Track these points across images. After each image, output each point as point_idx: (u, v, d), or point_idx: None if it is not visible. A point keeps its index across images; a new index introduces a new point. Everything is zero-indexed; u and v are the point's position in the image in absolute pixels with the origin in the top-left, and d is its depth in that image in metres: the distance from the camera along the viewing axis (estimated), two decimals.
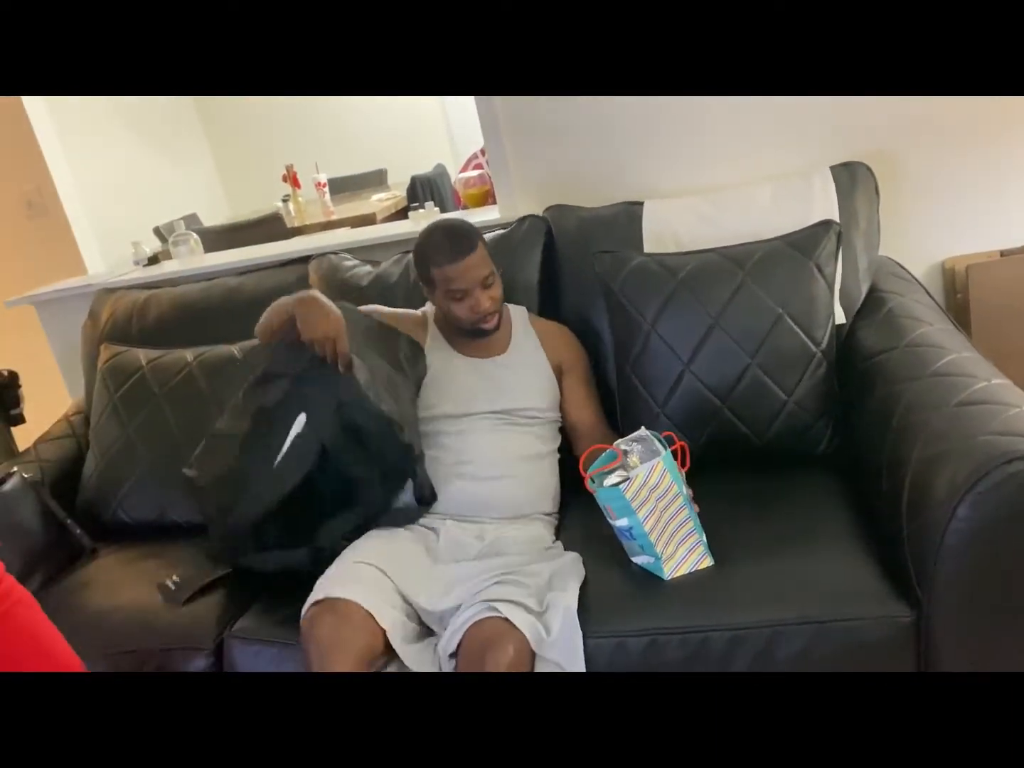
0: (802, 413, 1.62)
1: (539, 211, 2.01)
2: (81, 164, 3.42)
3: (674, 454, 1.41)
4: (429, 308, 1.80)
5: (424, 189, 4.28)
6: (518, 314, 1.79)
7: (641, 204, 1.91)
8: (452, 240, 1.60)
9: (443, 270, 1.59)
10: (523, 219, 1.99)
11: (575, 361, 1.76)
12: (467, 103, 4.47)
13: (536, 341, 1.74)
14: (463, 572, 1.46)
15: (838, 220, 1.71)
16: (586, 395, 1.74)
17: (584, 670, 1.31)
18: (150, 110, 4.66)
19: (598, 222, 1.92)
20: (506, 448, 1.63)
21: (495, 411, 1.65)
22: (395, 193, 4.45)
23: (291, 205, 4.28)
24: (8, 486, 1.85)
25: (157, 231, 4.07)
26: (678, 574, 1.41)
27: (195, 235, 2.71)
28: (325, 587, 1.40)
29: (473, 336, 1.69)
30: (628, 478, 1.36)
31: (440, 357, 1.72)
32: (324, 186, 4.29)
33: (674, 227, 1.85)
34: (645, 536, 1.38)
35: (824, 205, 1.77)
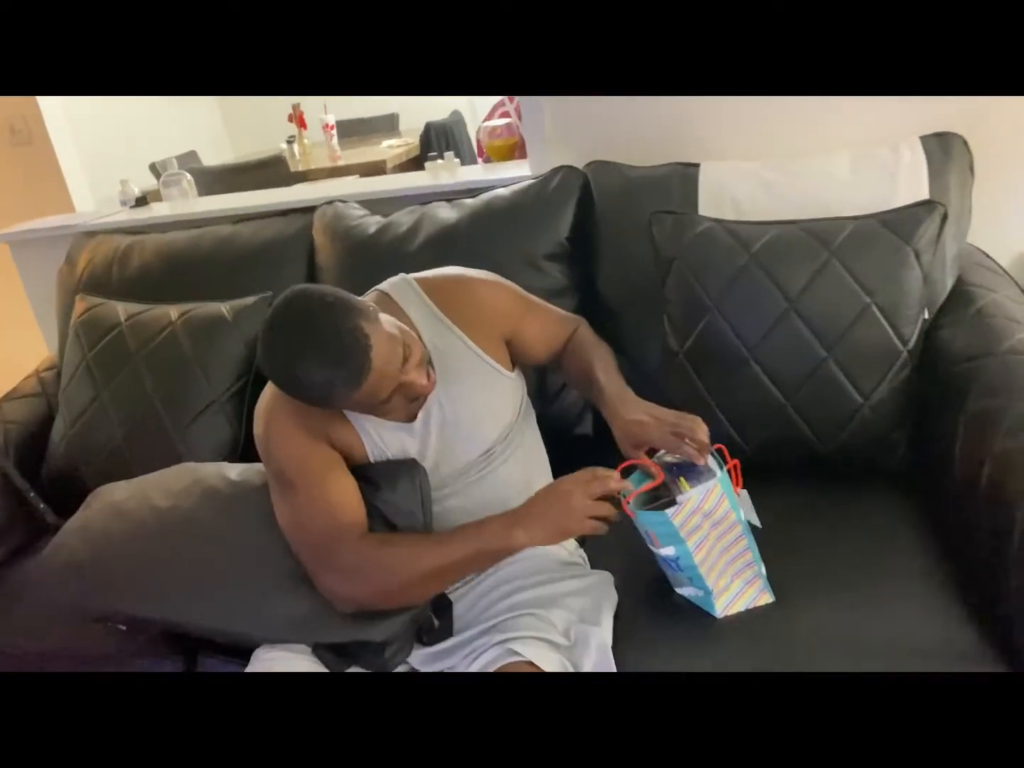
0: (877, 420, 1.40)
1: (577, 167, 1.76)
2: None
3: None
4: None
5: (439, 137, 4.00)
6: (423, 311, 1.28)
7: (697, 166, 1.66)
8: (341, 364, 1.05)
9: (348, 400, 1.10)
10: (557, 169, 1.75)
11: (506, 313, 1.33)
12: None
13: (456, 333, 1.28)
14: (462, 606, 1.24)
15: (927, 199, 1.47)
16: (540, 328, 1.37)
17: None
18: None
19: (647, 183, 1.67)
20: (493, 494, 1.26)
21: (466, 464, 1.26)
22: (407, 140, 4.17)
23: (296, 147, 4.01)
24: None
25: (153, 167, 3.81)
26: (731, 611, 1.20)
27: (188, 175, 2.46)
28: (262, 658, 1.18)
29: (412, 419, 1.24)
30: (676, 502, 1.14)
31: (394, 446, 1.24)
32: (332, 128, 4.01)
33: (735, 194, 1.60)
34: (694, 568, 1.17)
35: (911, 181, 1.52)
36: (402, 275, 1.33)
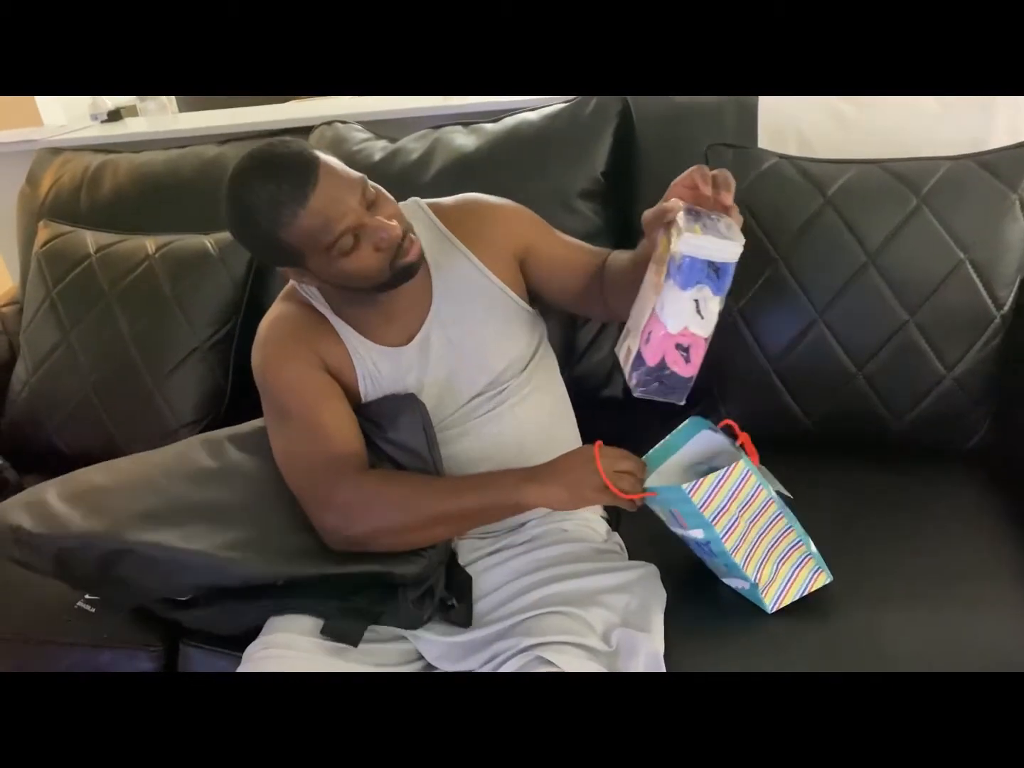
0: (959, 394, 1.23)
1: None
2: None
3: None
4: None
5: None
6: (431, 233, 1.15)
7: (756, 99, 1.45)
8: (282, 175, 0.96)
9: (298, 222, 0.96)
10: (590, 96, 1.53)
11: (522, 232, 1.16)
12: None
13: (463, 250, 1.14)
14: (483, 585, 1.09)
15: None
16: (564, 251, 1.17)
17: None
18: None
19: (697, 111, 1.47)
20: (509, 435, 1.14)
21: (473, 398, 1.14)
22: None
23: None
24: None
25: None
26: (785, 601, 1.04)
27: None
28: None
29: (396, 285, 1.06)
30: (694, 482, 0.96)
31: (379, 364, 1.12)
32: None
33: (801, 127, 1.40)
34: (727, 555, 1.00)
35: (1012, 120, 1.32)
36: (413, 198, 1.19)
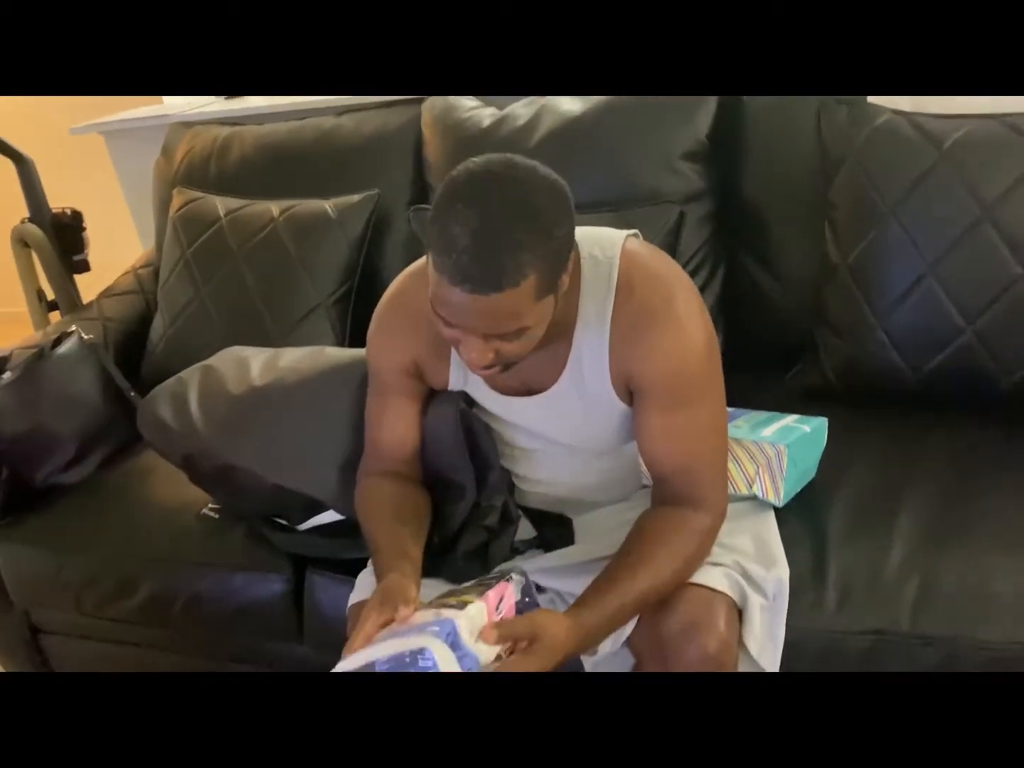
0: None
1: None
2: None
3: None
4: None
5: None
6: (596, 301, 0.98)
7: None
8: (476, 253, 0.80)
9: (439, 279, 0.84)
10: None
11: (654, 378, 0.97)
12: None
13: (606, 358, 1.00)
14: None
15: None
16: (670, 428, 0.98)
17: (777, 670, 0.99)
18: None
19: None
20: (569, 469, 1.12)
21: (541, 446, 1.11)
22: None
23: None
24: (66, 347, 1.56)
25: None
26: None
27: None
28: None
29: None
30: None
31: (474, 392, 1.09)
32: None
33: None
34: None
35: None
36: (624, 239, 1.00)
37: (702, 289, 1.50)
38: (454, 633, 0.80)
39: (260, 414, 1.24)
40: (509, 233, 0.81)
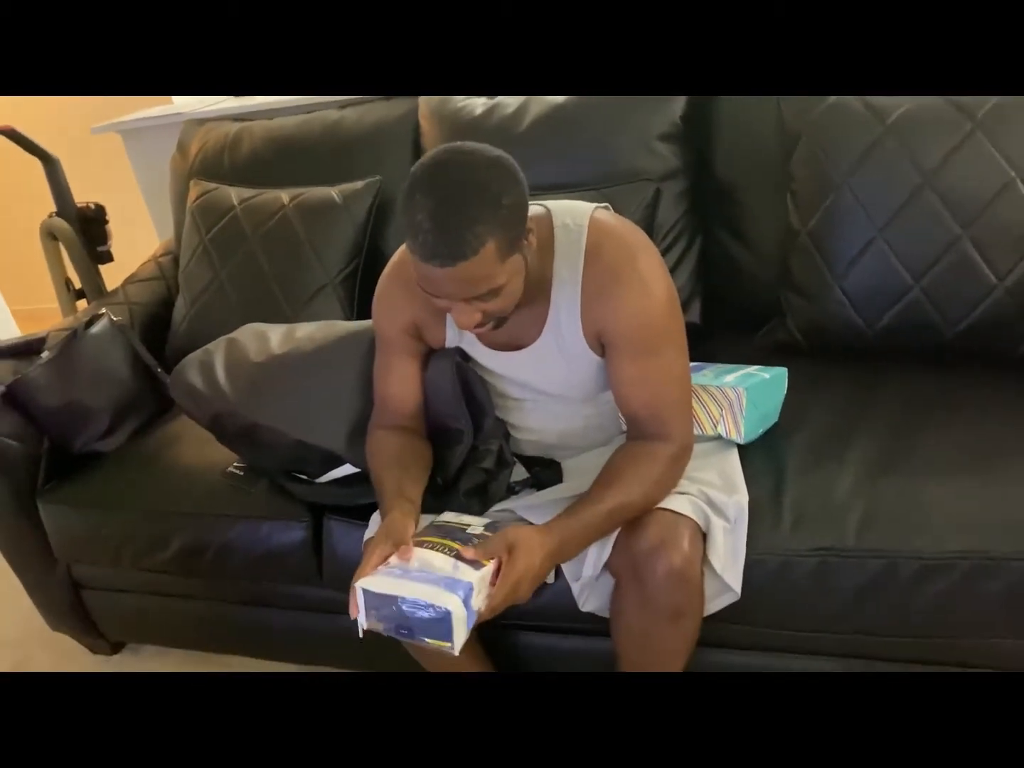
0: (1010, 303, 1.33)
1: None
2: None
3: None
4: None
5: None
6: (568, 264, 1.11)
7: None
8: (436, 231, 0.94)
9: (415, 262, 0.99)
10: None
11: (621, 331, 1.10)
12: None
13: (578, 315, 1.13)
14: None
15: None
16: (637, 375, 1.12)
17: (739, 592, 1.12)
18: None
19: None
20: (556, 417, 1.26)
21: (530, 396, 1.25)
22: None
23: None
24: (97, 328, 1.71)
25: None
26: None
27: None
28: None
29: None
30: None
31: (468, 349, 1.24)
32: None
33: None
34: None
35: None
36: (592, 211, 1.13)
37: (679, 260, 1.64)
38: (469, 594, 0.94)
39: (281, 377, 1.38)
40: (461, 210, 0.94)
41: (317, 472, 1.41)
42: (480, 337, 1.20)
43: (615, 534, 1.12)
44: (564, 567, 1.19)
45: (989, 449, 1.20)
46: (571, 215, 1.13)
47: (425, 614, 0.93)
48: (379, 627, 0.97)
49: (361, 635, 0.99)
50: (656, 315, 1.10)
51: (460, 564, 0.98)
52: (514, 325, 1.15)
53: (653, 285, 1.10)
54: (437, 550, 1.01)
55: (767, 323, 1.56)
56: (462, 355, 1.23)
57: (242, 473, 1.48)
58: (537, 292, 1.13)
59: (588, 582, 1.17)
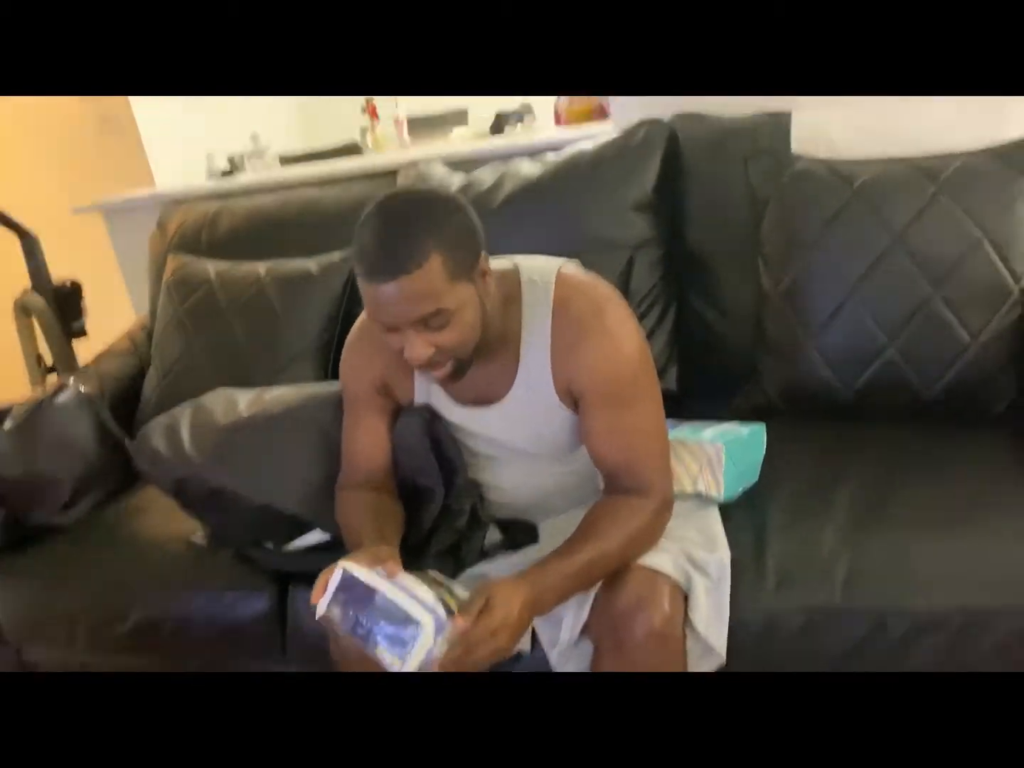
0: (985, 361, 1.34)
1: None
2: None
3: None
4: None
5: (511, 126, 4.01)
6: (536, 319, 1.10)
7: (788, 114, 1.62)
8: (384, 245, 0.96)
9: (363, 284, 0.99)
10: (641, 123, 1.73)
11: (592, 383, 1.09)
12: None
13: (548, 369, 1.11)
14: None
15: None
16: (610, 428, 1.09)
17: (724, 654, 1.07)
18: None
19: (736, 131, 1.64)
20: (529, 475, 1.22)
21: (502, 454, 1.21)
22: (477, 130, 4.20)
23: (368, 137, 4.07)
24: (63, 398, 1.67)
25: (231, 160, 3.91)
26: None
27: (271, 149, 2.50)
28: None
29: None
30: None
31: (437, 405, 1.21)
32: (403, 123, 4.06)
33: (831, 140, 1.56)
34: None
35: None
36: (560, 266, 1.14)
37: (654, 327, 1.64)
38: (442, 628, 0.89)
39: (247, 440, 1.34)
40: (406, 225, 0.96)
41: (284, 540, 1.36)
42: (448, 391, 1.18)
43: (591, 597, 1.07)
44: (541, 634, 1.14)
45: (970, 505, 1.17)
46: (538, 272, 1.13)
47: (393, 622, 0.88)
48: (336, 617, 0.92)
49: (317, 618, 0.94)
50: (626, 366, 1.08)
51: (440, 605, 0.93)
52: (483, 380, 1.14)
53: (622, 336, 1.09)
54: (424, 583, 0.96)
55: (743, 387, 1.55)
56: (431, 412, 1.21)
57: (205, 544, 1.43)
58: (505, 347, 1.12)
59: (565, 649, 1.11)
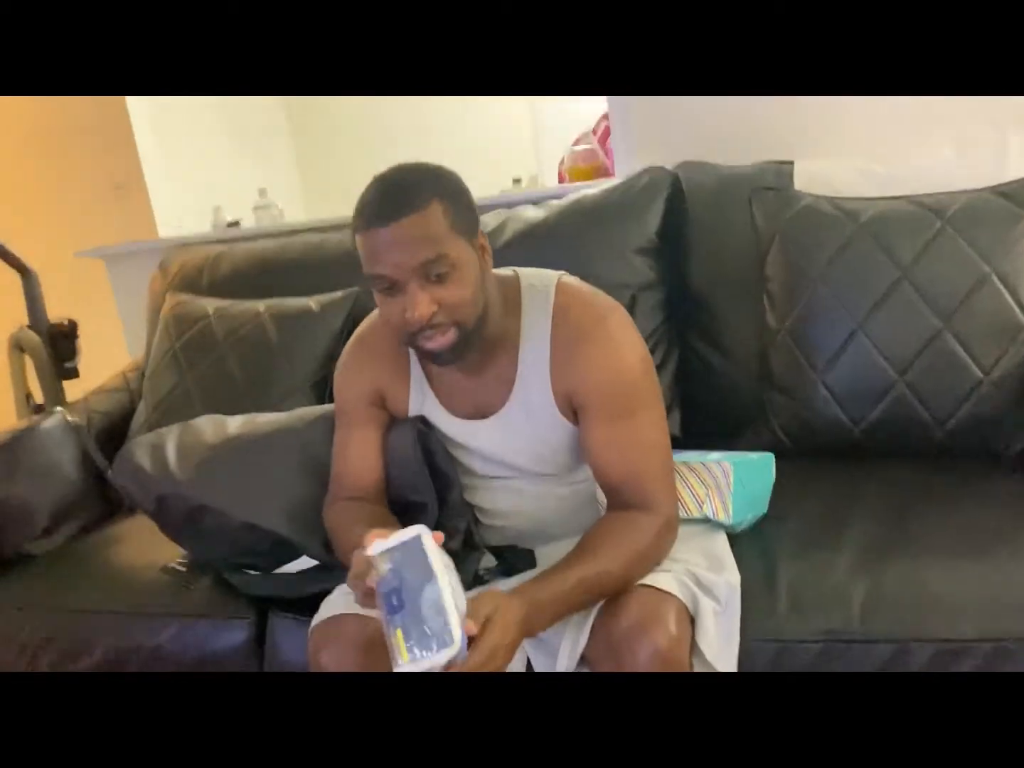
0: (997, 397, 1.31)
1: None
2: (170, 151, 3.37)
3: None
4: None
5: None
6: (535, 325, 1.08)
7: (791, 163, 1.64)
8: (384, 192, 0.96)
9: (362, 238, 0.97)
10: (646, 169, 1.74)
11: (592, 391, 1.05)
12: (560, 124, 4.25)
13: (547, 377, 1.08)
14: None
15: None
16: (611, 439, 1.05)
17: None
18: (241, 110, 4.60)
19: (740, 181, 1.65)
20: (526, 499, 1.17)
21: (499, 472, 1.17)
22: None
23: None
24: (48, 424, 1.64)
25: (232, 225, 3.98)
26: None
27: (278, 204, 2.54)
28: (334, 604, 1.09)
29: (436, 363, 1.07)
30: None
31: (432, 417, 1.16)
32: None
33: (835, 188, 1.57)
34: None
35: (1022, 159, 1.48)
36: (560, 277, 1.12)
37: (658, 369, 1.61)
38: (460, 656, 0.81)
39: (231, 456, 1.30)
40: (406, 177, 0.98)
41: (266, 566, 1.29)
42: (444, 402, 1.14)
43: (590, 621, 1.00)
44: (535, 663, 1.06)
45: (988, 536, 1.13)
46: (538, 278, 1.12)
47: (428, 618, 0.80)
48: (381, 569, 0.83)
49: (365, 553, 0.86)
50: (628, 374, 1.05)
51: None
52: (480, 389, 1.10)
53: (624, 344, 1.06)
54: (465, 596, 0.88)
55: (748, 430, 1.51)
56: (425, 424, 1.16)
57: (184, 569, 1.35)
58: (504, 353, 1.09)
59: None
